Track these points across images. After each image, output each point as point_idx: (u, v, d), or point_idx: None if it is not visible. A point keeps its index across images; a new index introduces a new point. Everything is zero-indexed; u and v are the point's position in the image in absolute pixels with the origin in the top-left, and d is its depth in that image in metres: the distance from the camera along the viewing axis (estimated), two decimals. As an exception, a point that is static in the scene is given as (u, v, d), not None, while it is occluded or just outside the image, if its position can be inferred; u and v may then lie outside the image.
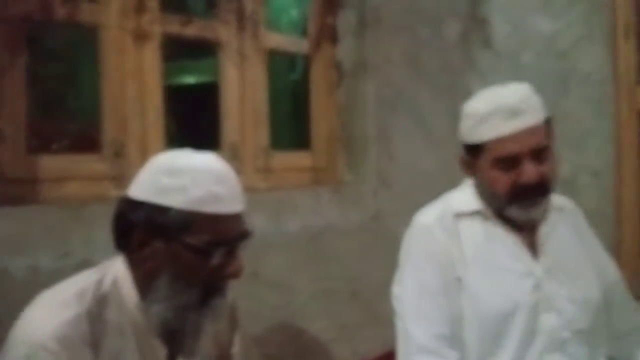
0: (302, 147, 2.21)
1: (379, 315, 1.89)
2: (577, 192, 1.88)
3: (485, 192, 1.21)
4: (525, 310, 1.15)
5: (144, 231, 0.88)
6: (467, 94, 2.10)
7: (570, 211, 1.30)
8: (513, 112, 1.11)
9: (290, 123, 2.45)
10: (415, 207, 1.32)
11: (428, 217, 1.26)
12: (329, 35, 2.18)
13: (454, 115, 2.16)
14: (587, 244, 1.28)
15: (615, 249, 2.06)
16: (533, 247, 1.21)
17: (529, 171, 1.11)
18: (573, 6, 2.09)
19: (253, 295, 1.67)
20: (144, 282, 0.90)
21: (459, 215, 1.24)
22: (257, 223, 1.83)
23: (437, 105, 2.08)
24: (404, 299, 1.24)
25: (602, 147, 2.10)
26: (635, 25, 2.11)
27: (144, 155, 1.49)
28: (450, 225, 1.23)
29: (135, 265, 0.91)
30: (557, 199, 1.26)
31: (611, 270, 1.30)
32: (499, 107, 1.12)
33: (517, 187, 1.13)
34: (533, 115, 1.12)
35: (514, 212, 1.16)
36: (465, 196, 1.26)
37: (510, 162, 1.12)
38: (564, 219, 1.26)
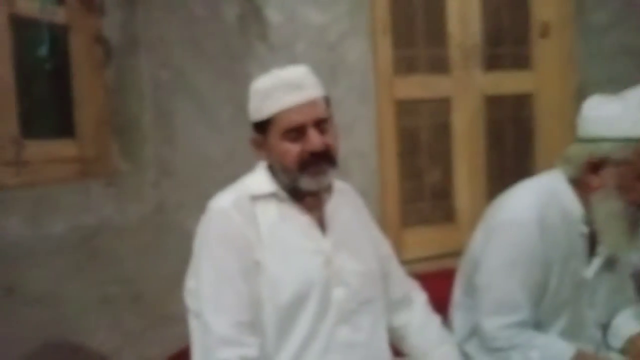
0: (64, 134, 1.90)
1: (167, 316, 1.76)
2: (349, 173, 2.04)
3: (278, 168, 1.23)
4: (318, 287, 1.20)
5: None
6: (247, 80, 2.10)
7: (349, 193, 1.40)
8: (295, 86, 1.18)
9: (48, 107, 2.08)
10: (201, 196, 1.26)
11: (224, 201, 1.22)
12: (90, 5, 1.91)
13: (236, 100, 2.15)
14: (364, 222, 1.40)
15: (381, 222, 2.31)
16: (322, 225, 1.27)
17: (314, 138, 1.17)
18: (339, 3, 2.24)
19: (8, 316, 1.38)
20: None
21: (255, 198, 1.23)
22: (9, 228, 1.51)
23: (219, 90, 2.01)
24: (201, 290, 1.18)
25: (367, 131, 2.32)
26: (392, 23, 2.37)
27: None
28: (247, 208, 1.21)
29: None
30: (337, 183, 1.35)
31: (384, 244, 1.44)
32: (282, 82, 1.18)
33: (305, 155, 1.18)
34: (313, 89, 1.21)
35: (305, 182, 1.21)
36: (260, 179, 1.26)
37: (296, 132, 1.18)
38: (344, 200, 1.35)
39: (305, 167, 1.18)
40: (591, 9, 2.68)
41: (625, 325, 1.41)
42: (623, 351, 1.39)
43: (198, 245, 1.22)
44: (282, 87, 1.18)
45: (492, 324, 1.34)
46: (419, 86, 2.49)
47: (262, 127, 1.21)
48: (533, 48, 2.69)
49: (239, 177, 1.29)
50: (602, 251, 1.35)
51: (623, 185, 1.23)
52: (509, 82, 2.64)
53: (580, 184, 1.31)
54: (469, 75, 2.56)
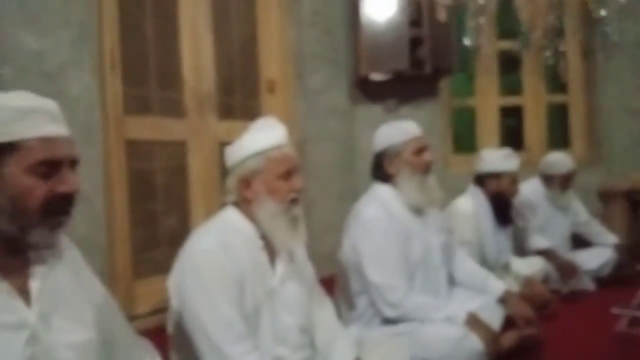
0: None
1: None
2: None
3: (5, 210, 0.98)
4: None
5: None
6: None
7: (65, 247, 1.17)
8: (54, 116, 1.03)
9: None
10: None
11: None
12: None
13: None
14: (84, 281, 1.18)
15: (108, 274, 2.07)
16: (26, 293, 1.03)
17: (70, 179, 1.01)
18: (60, 29, 2.02)
19: None
20: None
21: None
22: None
23: None
24: None
25: (92, 174, 2.08)
26: (122, 59, 2.23)
27: None
28: None
29: None
30: None
31: (109, 305, 1.24)
32: (43, 107, 1.02)
33: (53, 198, 1.01)
34: (66, 126, 1.05)
35: (39, 234, 1.01)
36: None
37: (48, 168, 1.00)
38: (58, 256, 1.10)
39: (48, 213, 0.99)
40: (308, 73, 3.05)
41: (342, 356, 1.52)
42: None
43: None
44: (42, 112, 1.00)
45: (221, 340, 1.32)
46: (152, 128, 2.38)
47: None
48: (262, 101, 2.90)
49: None
50: (279, 256, 1.48)
51: (269, 189, 1.43)
52: (240, 131, 2.75)
53: (242, 205, 1.46)
54: (204, 121, 2.59)
